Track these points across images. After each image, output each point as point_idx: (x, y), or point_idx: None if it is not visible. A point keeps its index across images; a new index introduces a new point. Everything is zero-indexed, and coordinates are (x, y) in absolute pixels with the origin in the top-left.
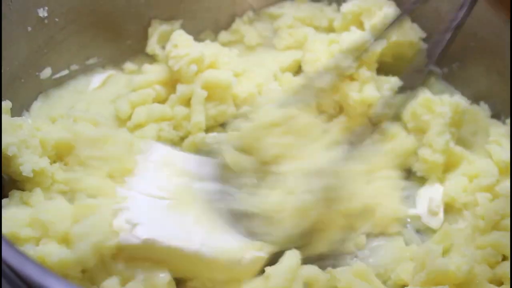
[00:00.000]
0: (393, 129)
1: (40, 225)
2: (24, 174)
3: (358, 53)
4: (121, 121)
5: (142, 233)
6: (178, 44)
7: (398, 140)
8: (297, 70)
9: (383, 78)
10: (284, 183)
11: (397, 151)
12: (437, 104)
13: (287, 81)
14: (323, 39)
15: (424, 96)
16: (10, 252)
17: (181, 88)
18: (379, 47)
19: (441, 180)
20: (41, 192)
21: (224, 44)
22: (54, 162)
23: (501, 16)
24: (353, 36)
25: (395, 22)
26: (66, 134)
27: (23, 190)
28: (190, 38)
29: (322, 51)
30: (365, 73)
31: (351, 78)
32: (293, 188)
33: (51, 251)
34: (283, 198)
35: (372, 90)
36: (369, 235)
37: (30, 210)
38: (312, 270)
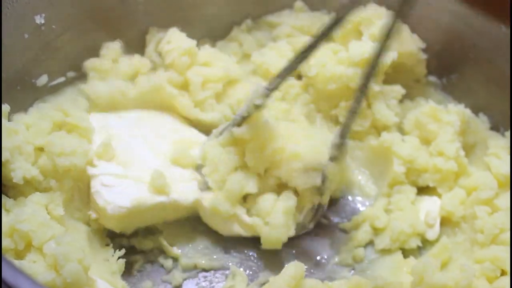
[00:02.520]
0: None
1: (20, 236)
2: (14, 180)
3: (369, 65)
4: None
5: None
6: (172, 40)
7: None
8: (296, 78)
9: (388, 87)
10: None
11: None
12: (444, 113)
13: (287, 86)
14: (327, 47)
15: (428, 105)
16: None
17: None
18: (389, 59)
19: (452, 188)
20: (24, 201)
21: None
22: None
23: (500, 23)
24: (364, 47)
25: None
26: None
27: (7, 196)
28: (183, 35)
29: (327, 56)
30: (375, 87)
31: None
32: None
33: (38, 272)
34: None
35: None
36: (366, 248)
37: (10, 218)
38: (314, 282)
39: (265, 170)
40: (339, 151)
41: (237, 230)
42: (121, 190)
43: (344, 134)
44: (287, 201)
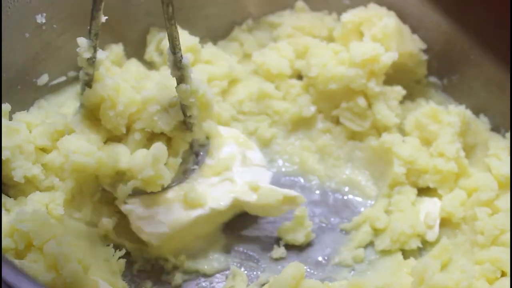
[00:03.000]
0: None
1: (20, 235)
2: (15, 179)
3: (370, 65)
4: None
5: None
6: None
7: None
8: (297, 78)
9: (388, 88)
10: None
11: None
12: (444, 114)
13: (287, 86)
14: (328, 47)
15: (429, 106)
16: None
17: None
18: (390, 60)
19: (452, 189)
20: (24, 201)
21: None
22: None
23: None
24: (364, 48)
25: None
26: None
27: (8, 195)
28: (185, 32)
29: (328, 56)
30: (375, 88)
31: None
32: None
33: (38, 271)
34: None
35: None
36: (367, 248)
37: (10, 218)
38: (314, 283)
39: (127, 128)
40: (179, 68)
41: (286, 207)
42: (158, 218)
43: (174, 47)
44: (155, 150)
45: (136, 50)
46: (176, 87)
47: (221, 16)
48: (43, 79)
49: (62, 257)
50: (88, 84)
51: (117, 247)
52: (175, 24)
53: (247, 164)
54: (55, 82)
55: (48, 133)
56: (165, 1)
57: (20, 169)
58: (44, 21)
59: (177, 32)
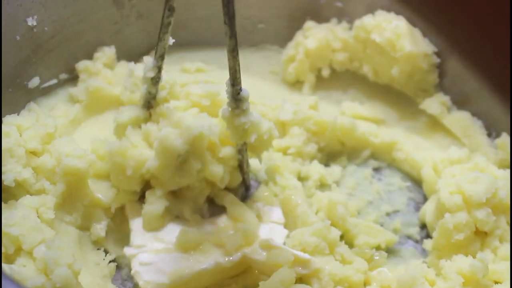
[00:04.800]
0: None
1: (10, 239)
2: (5, 183)
3: None
4: None
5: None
6: None
7: None
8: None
9: None
10: None
11: None
12: None
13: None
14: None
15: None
16: None
17: None
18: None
19: None
20: (15, 204)
21: None
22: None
23: None
24: None
25: None
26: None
27: None
28: None
29: None
30: None
31: None
32: None
33: (28, 276)
34: None
35: None
36: None
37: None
38: None
39: None
40: (236, 101)
41: (297, 270)
42: (159, 267)
43: (234, 79)
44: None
45: (127, 53)
46: (230, 122)
47: (212, 18)
48: (34, 82)
49: (52, 261)
50: (150, 102)
51: (107, 251)
52: (237, 57)
53: (263, 220)
54: (46, 84)
55: (39, 136)
56: (228, 34)
57: (11, 172)
58: (35, 23)
59: (239, 65)
